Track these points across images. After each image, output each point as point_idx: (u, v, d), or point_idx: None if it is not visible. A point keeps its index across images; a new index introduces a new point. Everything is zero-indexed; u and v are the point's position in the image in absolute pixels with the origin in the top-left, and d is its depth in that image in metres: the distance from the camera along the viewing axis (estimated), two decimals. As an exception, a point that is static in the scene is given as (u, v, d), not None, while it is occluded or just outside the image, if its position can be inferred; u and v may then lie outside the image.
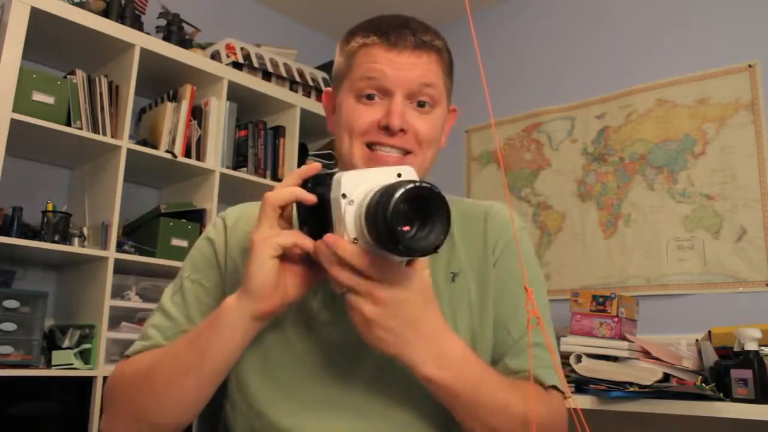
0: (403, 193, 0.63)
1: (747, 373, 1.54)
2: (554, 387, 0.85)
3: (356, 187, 0.68)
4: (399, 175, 0.69)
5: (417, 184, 0.64)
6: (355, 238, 0.67)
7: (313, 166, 0.76)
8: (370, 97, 0.86)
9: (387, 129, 0.84)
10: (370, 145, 0.86)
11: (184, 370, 0.77)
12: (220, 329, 0.75)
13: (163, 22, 2.51)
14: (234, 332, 0.75)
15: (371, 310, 0.69)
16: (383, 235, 0.63)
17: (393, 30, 0.86)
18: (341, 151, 0.89)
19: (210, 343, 0.76)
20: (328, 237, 0.68)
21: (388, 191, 0.64)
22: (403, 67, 0.84)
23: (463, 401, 0.75)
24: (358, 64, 0.87)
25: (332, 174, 0.72)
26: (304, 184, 0.75)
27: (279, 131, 2.78)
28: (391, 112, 0.83)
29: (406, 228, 0.64)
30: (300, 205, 0.76)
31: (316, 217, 0.72)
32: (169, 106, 2.40)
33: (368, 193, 0.67)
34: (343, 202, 0.67)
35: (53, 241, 2.06)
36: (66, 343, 2.04)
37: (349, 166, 0.88)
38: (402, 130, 0.84)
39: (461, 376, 0.74)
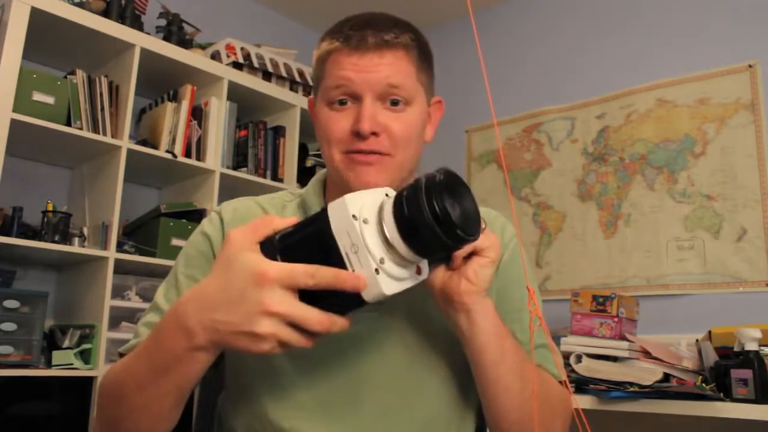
0: (441, 182, 0.60)
1: (747, 373, 1.54)
2: (564, 384, 0.88)
3: (360, 208, 0.61)
4: (387, 195, 0.65)
5: (443, 172, 0.62)
6: (381, 259, 0.60)
7: (273, 219, 0.65)
8: (342, 103, 0.85)
9: (358, 134, 0.82)
10: (348, 153, 0.85)
11: (156, 397, 0.70)
12: (192, 362, 0.66)
13: (163, 22, 2.51)
14: (208, 361, 0.68)
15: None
16: (440, 233, 0.59)
17: (355, 32, 0.84)
18: (324, 157, 0.89)
19: (183, 376, 0.68)
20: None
21: (418, 190, 0.60)
22: (368, 69, 0.82)
23: (492, 357, 0.77)
24: (327, 72, 0.86)
25: (313, 215, 0.64)
26: (270, 239, 0.64)
27: (279, 131, 2.78)
28: (360, 117, 0.82)
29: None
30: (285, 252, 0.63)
31: (310, 260, 0.61)
32: (169, 106, 2.40)
33: (379, 210, 0.62)
34: (356, 222, 0.60)
35: (53, 241, 2.06)
36: (66, 343, 2.04)
37: (333, 173, 0.88)
38: (374, 134, 0.83)
39: (497, 329, 0.77)
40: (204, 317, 0.63)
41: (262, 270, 0.60)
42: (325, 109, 0.86)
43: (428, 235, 0.60)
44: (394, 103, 0.84)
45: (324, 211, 0.62)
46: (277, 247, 0.63)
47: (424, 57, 0.89)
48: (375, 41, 0.83)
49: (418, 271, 0.67)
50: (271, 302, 0.59)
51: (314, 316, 0.61)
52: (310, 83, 2.87)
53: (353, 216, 0.60)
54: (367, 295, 0.60)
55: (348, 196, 0.61)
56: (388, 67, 0.83)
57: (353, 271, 0.60)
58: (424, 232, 0.60)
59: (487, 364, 0.77)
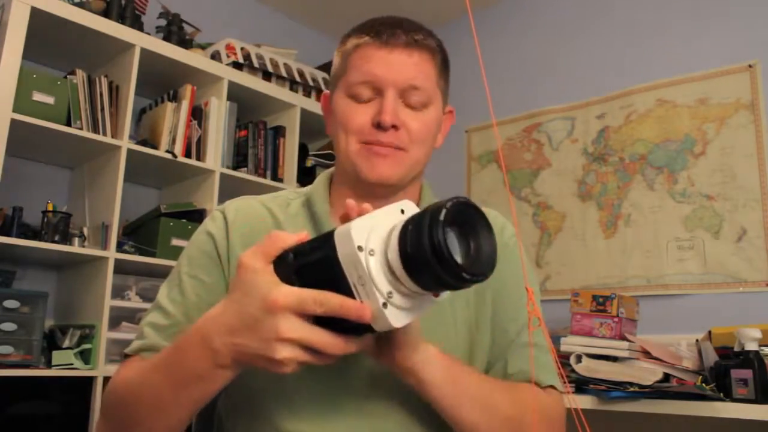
0: (448, 213, 0.56)
1: (747, 373, 1.54)
2: (552, 387, 0.86)
3: (368, 236, 0.58)
4: (402, 212, 0.63)
5: (454, 201, 0.57)
6: (389, 293, 0.58)
7: (281, 236, 0.64)
8: (364, 96, 0.86)
9: (379, 126, 0.84)
10: (366, 144, 0.86)
11: (172, 409, 0.71)
12: (215, 379, 0.67)
13: (163, 22, 2.51)
14: (230, 378, 0.69)
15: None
16: (441, 273, 0.55)
17: (386, 29, 0.86)
18: (338, 149, 0.90)
19: (203, 391, 0.69)
20: None
21: (421, 222, 0.56)
22: (395, 65, 0.85)
23: (449, 402, 0.76)
24: (353, 64, 0.87)
25: (325, 234, 0.61)
26: (283, 258, 0.63)
27: (279, 131, 2.78)
28: (383, 110, 0.84)
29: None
30: (298, 272, 0.62)
31: (317, 285, 0.60)
32: (169, 106, 2.40)
33: (387, 238, 0.59)
34: (362, 255, 0.57)
35: (53, 241, 2.06)
36: (66, 343, 2.04)
37: (346, 165, 0.88)
38: (394, 127, 0.85)
39: (447, 376, 0.75)
40: (227, 340, 0.64)
41: (273, 298, 0.60)
42: (346, 100, 0.88)
43: (429, 273, 0.56)
44: (414, 103, 0.87)
45: (332, 236, 0.59)
46: (293, 266, 0.62)
47: (444, 64, 0.92)
48: (406, 39, 0.86)
49: (436, 294, 0.62)
50: (285, 330, 0.60)
51: (329, 341, 0.61)
52: (311, 83, 2.87)
53: (359, 247, 0.57)
54: (376, 326, 0.59)
55: (355, 223, 0.58)
56: (414, 68, 0.86)
57: (361, 301, 0.58)
58: (426, 270, 0.56)
59: (445, 408, 0.76)
